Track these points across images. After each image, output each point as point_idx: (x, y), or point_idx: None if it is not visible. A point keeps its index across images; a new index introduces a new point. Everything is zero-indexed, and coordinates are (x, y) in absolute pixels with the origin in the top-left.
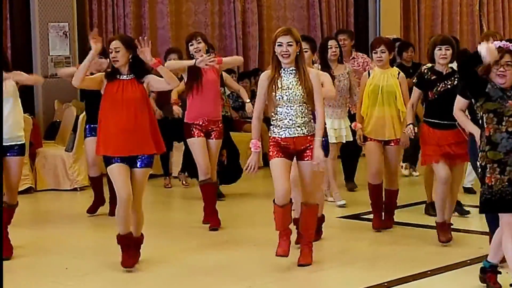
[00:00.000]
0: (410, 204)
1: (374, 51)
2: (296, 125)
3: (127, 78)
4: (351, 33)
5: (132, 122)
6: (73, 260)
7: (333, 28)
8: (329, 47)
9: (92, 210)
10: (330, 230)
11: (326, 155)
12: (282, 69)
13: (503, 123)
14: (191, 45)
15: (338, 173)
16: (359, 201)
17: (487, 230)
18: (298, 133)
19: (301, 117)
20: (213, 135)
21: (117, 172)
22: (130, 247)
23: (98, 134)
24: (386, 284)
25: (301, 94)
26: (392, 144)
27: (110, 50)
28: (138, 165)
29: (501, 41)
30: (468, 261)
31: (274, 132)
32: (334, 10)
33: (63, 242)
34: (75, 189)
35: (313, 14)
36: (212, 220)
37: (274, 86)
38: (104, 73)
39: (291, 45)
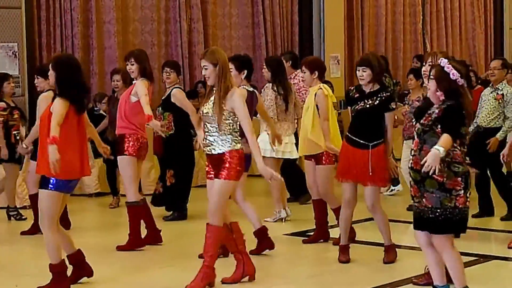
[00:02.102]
0: (367, 219)
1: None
2: (208, 143)
3: None
4: (287, 54)
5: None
6: (23, 277)
7: (277, 47)
8: None
9: (33, 231)
10: (276, 246)
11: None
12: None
13: None
14: (127, 65)
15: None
16: (308, 217)
17: None
18: (209, 151)
19: (212, 136)
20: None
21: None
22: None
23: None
24: None
25: (211, 114)
26: (321, 163)
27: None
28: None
29: (446, 58)
30: (412, 278)
31: None
32: (279, 29)
33: (14, 260)
34: (24, 207)
35: (258, 33)
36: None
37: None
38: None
39: (206, 69)
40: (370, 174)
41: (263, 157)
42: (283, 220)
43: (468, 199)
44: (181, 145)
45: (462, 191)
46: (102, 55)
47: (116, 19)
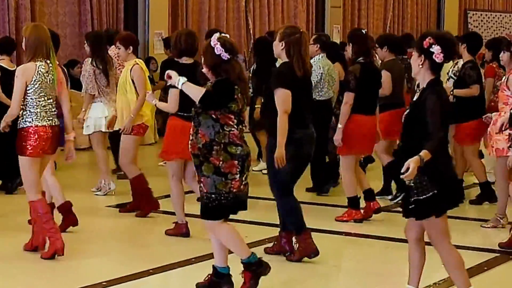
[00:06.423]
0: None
1: None
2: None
3: None
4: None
5: None
6: None
7: (103, 23)
8: None
9: None
10: (95, 219)
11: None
12: None
13: None
14: None
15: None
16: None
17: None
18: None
19: None
20: None
21: None
22: None
23: None
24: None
25: None
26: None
27: None
28: None
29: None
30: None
31: None
32: (105, 6)
33: None
34: None
35: (84, 9)
36: None
37: None
38: None
39: None
40: None
41: (94, 132)
42: (113, 193)
43: (244, 183)
44: None
45: (238, 175)
46: None
47: None
